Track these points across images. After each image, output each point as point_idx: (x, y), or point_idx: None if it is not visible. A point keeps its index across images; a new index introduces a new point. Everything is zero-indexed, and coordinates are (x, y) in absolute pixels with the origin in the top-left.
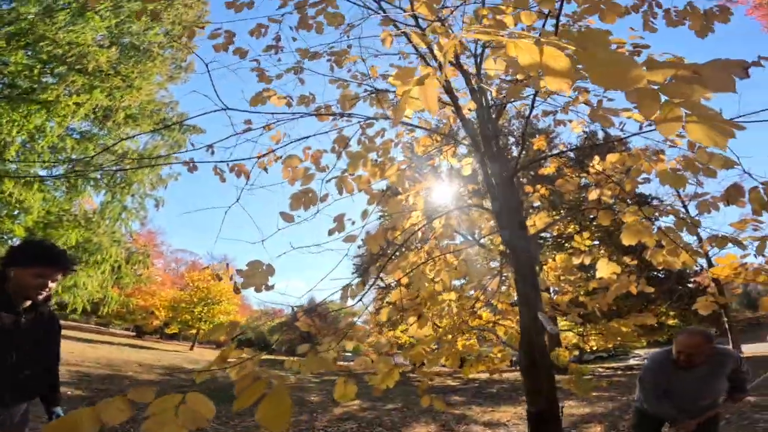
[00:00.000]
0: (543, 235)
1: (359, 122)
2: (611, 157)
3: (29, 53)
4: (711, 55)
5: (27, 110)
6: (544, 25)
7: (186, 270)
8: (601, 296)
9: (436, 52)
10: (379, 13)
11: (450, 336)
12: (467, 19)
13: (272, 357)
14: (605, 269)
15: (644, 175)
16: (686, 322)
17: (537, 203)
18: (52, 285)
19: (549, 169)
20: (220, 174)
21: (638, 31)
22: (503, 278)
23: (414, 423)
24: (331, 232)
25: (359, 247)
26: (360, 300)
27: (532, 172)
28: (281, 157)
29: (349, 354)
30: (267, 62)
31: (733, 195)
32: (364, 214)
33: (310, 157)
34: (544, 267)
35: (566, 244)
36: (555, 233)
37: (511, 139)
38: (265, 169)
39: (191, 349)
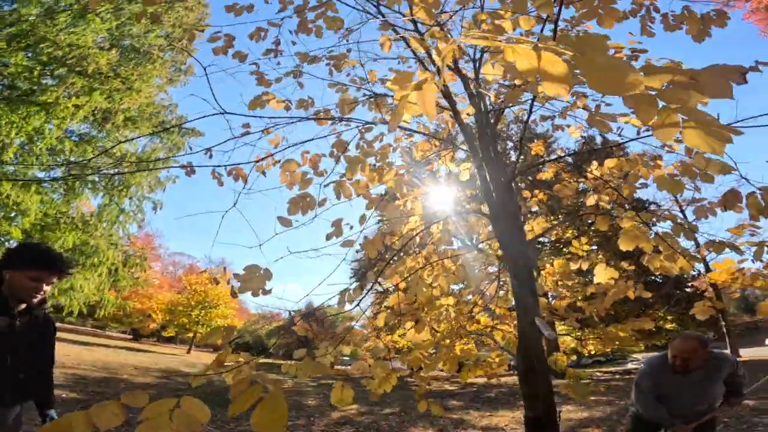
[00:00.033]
0: (541, 240)
1: (358, 127)
2: (609, 163)
3: (29, 55)
4: (708, 58)
5: (26, 112)
6: (542, 30)
7: (183, 273)
8: (599, 301)
9: (435, 56)
10: (378, 18)
11: (448, 341)
12: (466, 23)
13: (270, 361)
14: (603, 274)
15: (642, 180)
16: (684, 327)
17: (535, 208)
18: (47, 288)
19: (547, 174)
20: (218, 178)
21: (636, 35)
22: (501, 283)
23: (412, 428)
24: (328, 237)
25: (357, 251)
26: (357, 305)
27: (530, 176)
28: (279, 161)
29: (347, 358)
30: (266, 66)
31: (730, 200)
32: (362, 219)
33: (308, 161)
34: (542, 272)
35: (564, 249)
36: (553, 238)
37: (510, 144)
38: (264, 173)
39: (188, 352)
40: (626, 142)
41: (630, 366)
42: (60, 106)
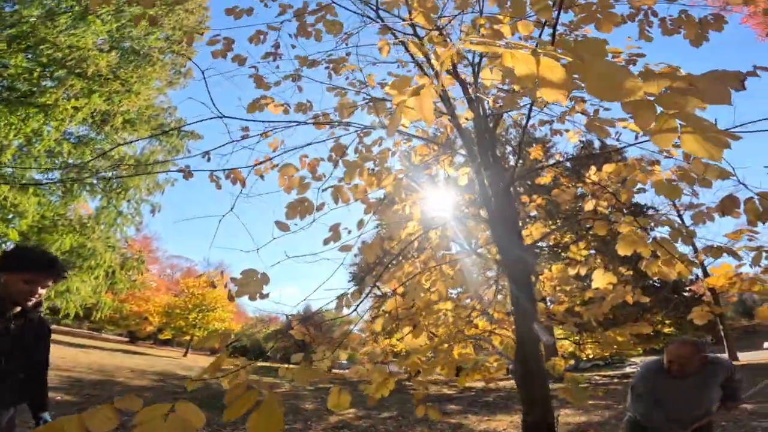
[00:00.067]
0: (540, 244)
1: (356, 131)
2: (607, 168)
3: (29, 56)
4: (706, 62)
5: (25, 113)
6: (540, 35)
7: (181, 276)
8: (597, 306)
9: (433, 61)
10: (377, 22)
11: (446, 345)
12: (465, 28)
13: (267, 364)
14: (601, 280)
15: (640, 185)
16: (682, 331)
17: (534, 213)
18: (42, 291)
19: (545, 178)
20: (216, 181)
21: (634, 40)
22: (500, 287)
23: None
24: (326, 242)
25: (355, 255)
26: (355, 310)
27: (529, 181)
28: (278, 165)
29: (345, 362)
30: (265, 69)
31: (728, 206)
32: (360, 224)
33: (306, 165)
34: (541, 277)
35: (563, 254)
36: (551, 242)
37: (508, 148)
38: (262, 177)
39: (185, 355)
40: (624, 147)
41: (628, 370)
42: (59, 108)
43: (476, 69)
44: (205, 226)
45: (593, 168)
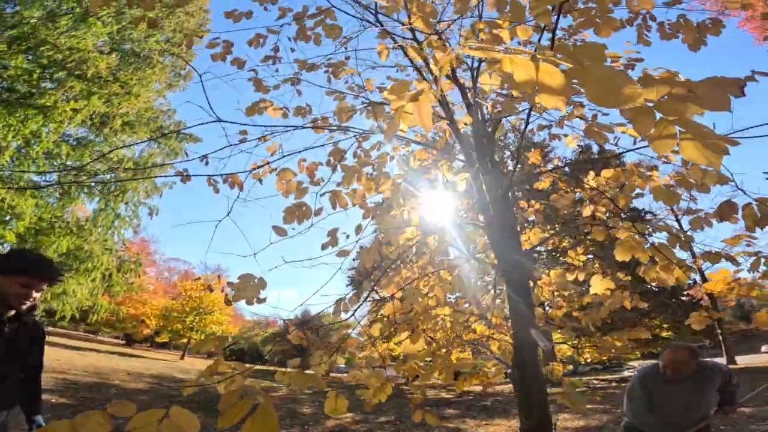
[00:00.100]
0: (538, 249)
1: (355, 135)
2: (606, 173)
3: (30, 57)
4: (704, 66)
5: (24, 115)
6: (539, 40)
7: (179, 279)
8: (595, 311)
9: (432, 66)
10: (376, 26)
11: (444, 350)
12: (464, 32)
13: (264, 368)
14: (599, 285)
15: (638, 190)
16: (680, 335)
17: (532, 217)
18: (36, 295)
19: (544, 183)
20: (213, 185)
21: (633, 44)
22: (498, 291)
23: None
24: (324, 247)
25: (354, 259)
26: (352, 315)
27: (527, 185)
28: (276, 169)
29: (343, 366)
30: (264, 72)
31: (726, 211)
32: (358, 229)
33: (305, 169)
34: (539, 282)
35: (561, 258)
36: (549, 247)
37: (507, 153)
38: (260, 181)
39: (182, 358)
40: (623, 152)
41: (626, 373)
42: (58, 110)
43: (475, 73)
44: (203, 229)
45: (591, 173)
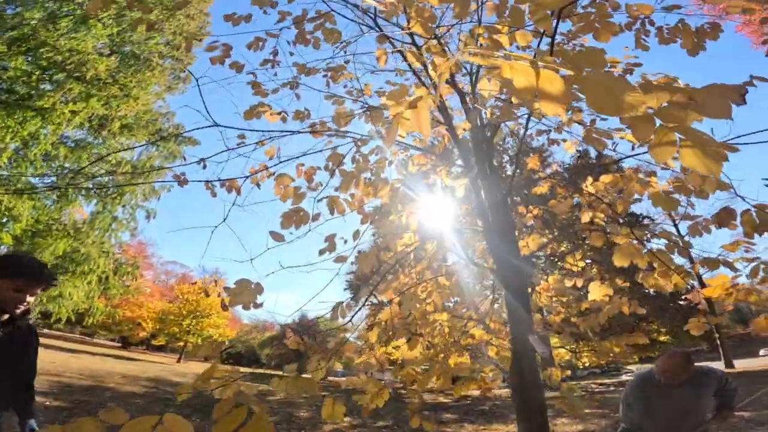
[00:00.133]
0: (536, 253)
1: (354, 140)
2: (604, 178)
3: (29, 59)
4: (702, 70)
5: (22, 117)
6: (538, 45)
7: (176, 282)
8: (594, 317)
9: (431, 71)
10: (375, 30)
11: (441, 356)
12: (463, 36)
13: (262, 371)
14: (598, 292)
15: (636, 195)
16: (678, 339)
17: (530, 222)
18: (30, 299)
19: (542, 188)
20: (211, 189)
21: (631, 49)
22: (496, 296)
23: None
24: (321, 253)
25: (352, 263)
26: (350, 320)
27: (526, 190)
28: (274, 173)
29: (341, 370)
30: (263, 76)
31: (724, 218)
32: (356, 235)
33: (303, 173)
34: (537, 288)
35: (559, 263)
36: (548, 252)
37: (506, 157)
38: (258, 185)
39: (178, 361)
40: (622, 159)
41: (624, 377)
42: (56, 112)
43: (474, 78)
44: (200, 232)
45: (590, 179)
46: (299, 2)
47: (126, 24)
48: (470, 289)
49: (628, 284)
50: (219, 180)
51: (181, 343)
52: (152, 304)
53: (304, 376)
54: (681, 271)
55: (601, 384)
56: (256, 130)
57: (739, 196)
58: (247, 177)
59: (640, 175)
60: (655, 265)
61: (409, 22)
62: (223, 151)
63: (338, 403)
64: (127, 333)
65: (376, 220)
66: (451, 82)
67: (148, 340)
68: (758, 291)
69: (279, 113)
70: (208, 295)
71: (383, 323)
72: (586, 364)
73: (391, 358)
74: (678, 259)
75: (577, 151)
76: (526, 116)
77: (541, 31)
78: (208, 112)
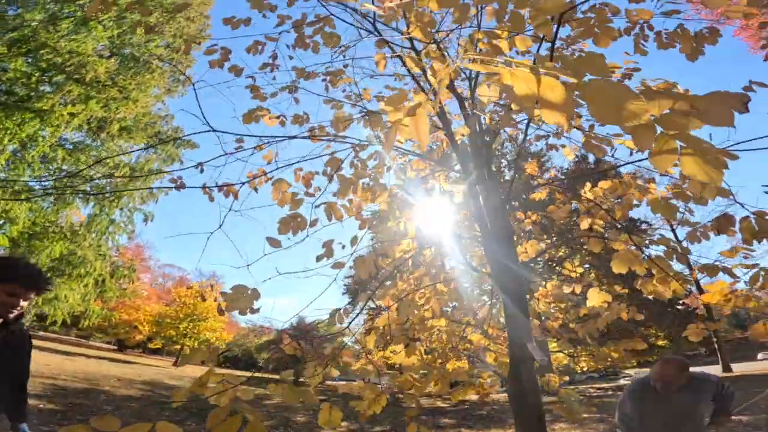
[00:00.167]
0: (535, 259)
1: (352, 145)
2: (603, 184)
3: (29, 60)
4: (700, 75)
5: (21, 118)
6: (538, 50)
7: (173, 285)
8: (592, 322)
9: (430, 77)
10: (374, 35)
11: (439, 362)
12: (462, 41)
13: (259, 375)
14: (596, 298)
15: (635, 201)
16: (676, 344)
17: (529, 228)
18: (24, 303)
19: (540, 194)
20: (208, 193)
21: (630, 54)
22: (494, 301)
23: None
24: (319, 259)
25: (350, 267)
26: (347, 327)
27: (524, 195)
28: (272, 178)
29: (338, 374)
30: (262, 80)
31: (723, 225)
32: (354, 241)
33: (301, 178)
34: (535, 294)
35: (557, 268)
36: (546, 257)
37: (504, 162)
38: (255, 189)
39: (174, 364)
40: (621, 165)
41: (622, 382)
42: (55, 114)
43: (473, 83)
44: (198, 235)
45: (588, 185)
46: (299, 6)
47: (126, 26)
48: (468, 294)
49: (626, 290)
50: (217, 186)
51: (178, 347)
52: (149, 307)
53: (300, 382)
54: (679, 278)
55: (599, 388)
56: (253, 135)
57: (738, 203)
58: (243, 183)
59: (639, 182)
60: (654, 271)
61: (408, 26)
62: (220, 156)
63: (335, 409)
64: (123, 336)
65: (374, 226)
66: (450, 87)
67: (144, 343)
68: (757, 297)
69: (278, 117)
70: (204, 300)
71: (381, 328)
72: (584, 369)
73: (389, 362)
74: (676, 265)
75: (575, 156)
76: (525, 122)
77: (541, 36)
78: (204, 117)
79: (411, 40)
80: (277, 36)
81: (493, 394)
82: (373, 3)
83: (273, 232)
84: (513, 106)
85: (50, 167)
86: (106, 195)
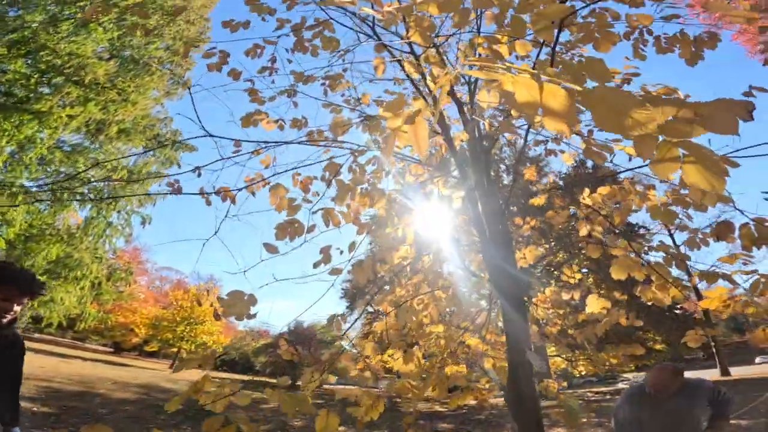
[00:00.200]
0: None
1: (350, 150)
2: (602, 190)
3: (29, 62)
4: (698, 79)
5: (19, 120)
6: (538, 55)
7: (170, 288)
8: (591, 328)
9: (429, 82)
10: (373, 39)
11: (437, 368)
12: (462, 46)
13: (257, 378)
14: (595, 305)
15: (634, 207)
16: (674, 348)
17: (527, 233)
18: (17, 308)
19: (539, 200)
20: (206, 197)
21: (630, 59)
22: (493, 306)
23: None
24: (316, 265)
25: (348, 271)
26: (345, 333)
27: (523, 200)
28: (270, 182)
29: (337, 379)
30: (261, 83)
31: (723, 231)
32: (352, 246)
33: (299, 183)
34: (534, 300)
35: (555, 272)
36: (545, 262)
37: (502, 167)
38: (253, 194)
39: (171, 367)
40: (621, 172)
41: (621, 386)
42: (53, 116)
43: (473, 88)
44: (196, 236)
45: (587, 191)
46: (298, 10)
47: (126, 28)
48: (467, 299)
49: (625, 297)
50: (214, 192)
51: (175, 350)
52: (146, 309)
53: (297, 390)
54: (678, 284)
55: (597, 392)
56: (250, 141)
57: (738, 210)
58: (240, 189)
59: (638, 187)
60: (653, 277)
61: (407, 30)
62: (217, 161)
63: (332, 415)
64: (119, 338)
65: (372, 231)
66: (450, 92)
67: (140, 346)
68: (756, 303)
69: (276, 121)
70: (200, 305)
71: (379, 333)
72: (583, 373)
73: (387, 366)
74: (674, 271)
75: (574, 161)
76: (525, 128)
77: (541, 41)
78: (199, 121)
79: (410, 44)
80: (276, 39)
81: (492, 399)
82: (372, 7)
83: (271, 236)
84: (513, 112)
85: (48, 169)
86: (104, 200)
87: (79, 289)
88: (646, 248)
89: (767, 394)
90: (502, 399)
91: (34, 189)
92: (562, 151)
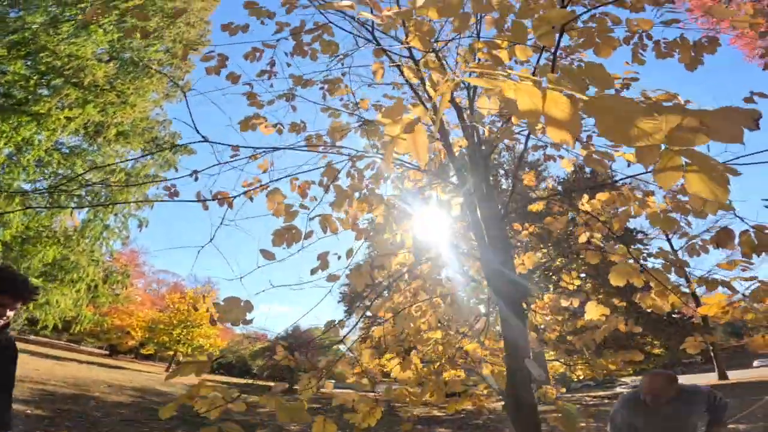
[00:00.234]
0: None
1: (349, 155)
2: (601, 196)
3: (28, 63)
4: (697, 83)
5: (17, 121)
6: (538, 60)
7: (167, 291)
8: (589, 334)
9: (429, 88)
10: (372, 43)
11: (433, 377)
12: (461, 51)
13: (253, 382)
14: (594, 311)
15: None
16: (672, 352)
17: (526, 239)
18: (10, 313)
19: (538, 206)
20: (203, 202)
21: (629, 63)
22: (491, 310)
23: None
24: (313, 272)
25: (346, 276)
26: (342, 341)
27: (521, 206)
28: (268, 187)
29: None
30: (260, 87)
31: (723, 238)
32: (350, 253)
33: (297, 188)
34: (532, 307)
35: (553, 277)
36: (543, 266)
37: (501, 171)
38: (251, 199)
39: (167, 370)
40: (621, 179)
41: (619, 390)
42: (52, 118)
43: (472, 93)
44: (193, 239)
45: (586, 197)
46: (297, 13)
47: (126, 30)
48: (465, 305)
49: (624, 304)
50: (211, 198)
51: (171, 353)
52: (142, 312)
53: (295, 387)
54: (677, 291)
55: (595, 396)
56: (247, 147)
57: (738, 217)
58: (237, 196)
59: (637, 194)
60: (652, 284)
61: (407, 35)
62: (214, 165)
63: (329, 422)
64: (115, 341)
65: (370, 237)
66: (449, 98)
67: (136, 349)
68: (755, 309)
69: (274, 125)
70: (197, 310)
71: (376, 338)
72: (581, 377)
73: (385, 370)
74: (673, 277)
75: (573, 165)
76: (525, 136)
77: (541, 46)
78: (194, 125)
79: (409, 49)
80: (275, 43)
81: (490, 404)
82: (371, 11)
83: (267, 241)
84: (513, 119)
85: (45, 171)
86: (102, 205)
87: (75, 291)
88: (644, 255)
89: (765, 398)
90: (500, 404)
91: (30, 192)
92: (561, 157)
